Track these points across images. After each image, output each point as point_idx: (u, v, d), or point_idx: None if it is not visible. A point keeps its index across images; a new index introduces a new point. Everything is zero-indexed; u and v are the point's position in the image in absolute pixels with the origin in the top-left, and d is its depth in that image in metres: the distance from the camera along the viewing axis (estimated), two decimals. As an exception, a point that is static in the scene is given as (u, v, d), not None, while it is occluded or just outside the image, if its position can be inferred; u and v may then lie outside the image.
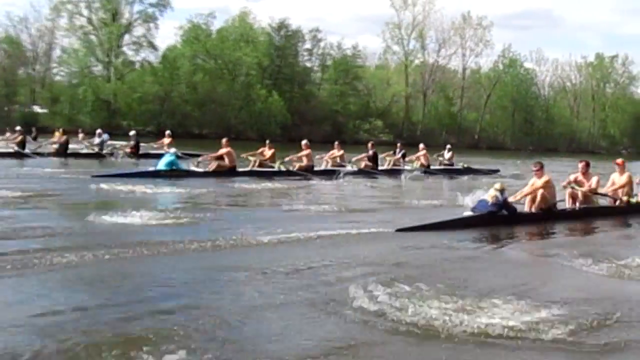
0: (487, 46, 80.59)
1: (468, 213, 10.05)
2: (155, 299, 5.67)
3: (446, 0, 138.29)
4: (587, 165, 12.60)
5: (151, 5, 58.08)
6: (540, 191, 11.02)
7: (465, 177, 21.59)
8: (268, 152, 18.65)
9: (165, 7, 58.24)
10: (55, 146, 23.16)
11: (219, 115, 59.23)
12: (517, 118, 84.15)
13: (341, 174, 18.64)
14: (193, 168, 17.48)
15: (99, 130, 24.33)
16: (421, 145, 23.18)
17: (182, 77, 58.97)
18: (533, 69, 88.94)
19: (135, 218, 9.57)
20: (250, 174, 17.70)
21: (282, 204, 12.47)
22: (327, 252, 7.76)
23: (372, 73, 75.29)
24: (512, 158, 28.42)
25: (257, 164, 18.36)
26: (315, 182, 17.41)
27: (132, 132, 24.53)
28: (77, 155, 22.83)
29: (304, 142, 19.28)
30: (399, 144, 23.77)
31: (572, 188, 12.08)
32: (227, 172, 17.22)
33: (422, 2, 75.30)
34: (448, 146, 24.80)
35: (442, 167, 23.27)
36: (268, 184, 16.19)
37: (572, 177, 12.41)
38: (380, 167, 21.14)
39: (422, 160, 22.38)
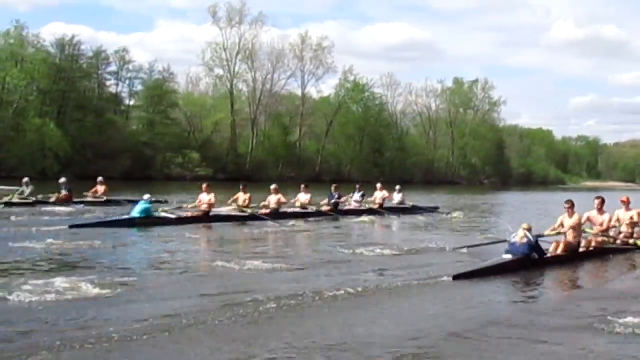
0: (330, 70, 76.18)
1: (508, 256, 10.79)
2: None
3: (322, 31, 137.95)
4: (603, 202, 13.11)
5: None
6: (571, 231, 12.07)
7: (416, 215, 23.09)
8: (243, 197, 19.03)
9: None
10: None
11: (-19, 149, 50.54)
12: (365, 147, 79.82)
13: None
14: (164, 214, 17.43)
15: (26, 180, 22.30)
16: (379, 185, 24.26)
17: None
18: (383, 95, 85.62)
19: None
20: (225, 219, 18.10)
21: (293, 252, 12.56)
22: (399, 307, 7.92)
23: (192, 100, 68.67)
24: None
25: (230, 211, 18.87)
26: (289, 225, 18.05)
27: (62, 179, 22.97)
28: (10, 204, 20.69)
29: (273, 186, 20.16)
30: (357, 186, 24.57)
31: (588, 234, 12.79)
32: (201, 218, 17.72)
33: (251, 20, 69.87)
34: (398, 187, 25.52)
35: (395, 206, 24.29)
36: (250, 230, 16.61)
37: (586, 216, 12.91)
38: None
39: (379, 200, 23.48)
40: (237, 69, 70.21)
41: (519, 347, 6.32)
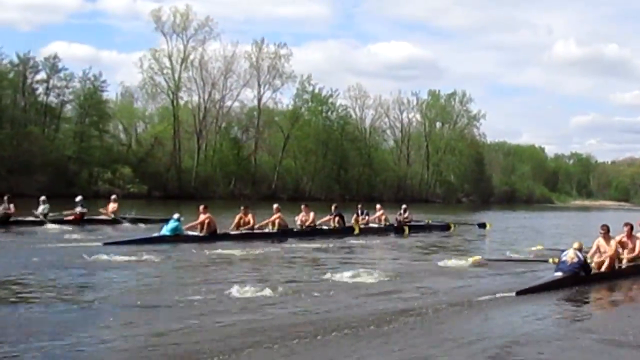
0: (289, 80, 70.05)
1: (559, 274, 11.52)
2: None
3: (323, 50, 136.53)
4: (632, 228, 13.66)
5: None
6: (610, 255, 12.75)
7: (425, 233, 23.60)
8: (246, 218, 19.42)
9: None
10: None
11: None
12: (327, 163, 73.43)
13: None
14: (191, 233, 18.01)
15: (42, 197, 22.01)
16: (378, 206, 24.54)
17: None
18: (349, 107, 79.49)
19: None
20: (246, 237, 18.67)
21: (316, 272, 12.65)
22: (481, 320, 8.65)
23: (130, 111, 62.56)
24: (320, 212, 24.01)
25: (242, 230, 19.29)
26: (295, 244, 18.51)
27: (78, 198, 22.84)
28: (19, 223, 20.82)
29: (275, 205, 20.51)
30: (359, 205, 24.39)
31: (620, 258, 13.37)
32: (222, 236, 18.29)
33: (197, 25, 63.89)
34: (404, 206, 25.52)
35: (403, 224, 24.06)
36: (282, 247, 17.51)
37: (617, 239, 13.36)
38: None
39: (382, 219, 23.60)
40: (182, 77, 64.19)
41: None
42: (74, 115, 58.48)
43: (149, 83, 62.59)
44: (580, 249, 11.89)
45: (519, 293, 10.41)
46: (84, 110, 57.52)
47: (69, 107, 59.38)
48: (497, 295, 10.17)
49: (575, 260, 11.64)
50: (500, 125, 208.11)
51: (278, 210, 20.10)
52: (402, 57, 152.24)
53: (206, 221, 18.25)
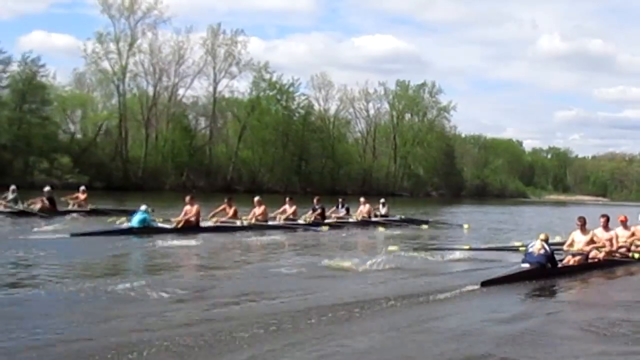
0: (246, 68, 66.90)
1: (526, 265, 11.48)
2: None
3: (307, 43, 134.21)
4: (608, 219, 13.88)
5: None
6: (582, 246, 12.96)
7: (404, 227, 23.04)
8: (230, 210, 19.57)
9: None
10: None
11: None
12: (287, 154, 70.39)
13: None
14: (161, 224, 18.07)
15: (12, 187, 22.06)
16: (362, 199, 24.29)
17: None
18: (312, 97, 76.56)
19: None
20: (216, 229, 18.62)
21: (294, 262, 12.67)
22: (444, 313, 8.46)
23: (73, 97, 59.29)
24: (274, 205, 23.39)
25: (218, 222, 19.39)
26: (279, 236, 18.62)
27: (46, 188, 22.91)
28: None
29: (256, 198, 20.41)
30: (340, 200, 24.71)
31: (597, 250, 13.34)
32: (194, 229, 18.00)
33: (146, 8, 60.45)
34: (382, 200, 25.49)
35: (380, 219, 23.81)
36: (237, 238, 17.25)
37: (593, 232, 13.46)
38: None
39: (364, 213, 23.48)
40: (129, 63, 60.82)
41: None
42: (9, 101, 55.05)
43: (93, 69, 59.42)
44: (546, 240, 11.71)
45: (483, 284, 10.35)
46: (22, 95, 54.24)
47: (6, 92, 56.13)
48: (462, 285, 10.16)
49: (542, 251, 11.48)
50: (484, 120, 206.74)
51: (260, 203, 20.15)
52: (387, 51, 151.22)
53: (194, 212, 18.26)
